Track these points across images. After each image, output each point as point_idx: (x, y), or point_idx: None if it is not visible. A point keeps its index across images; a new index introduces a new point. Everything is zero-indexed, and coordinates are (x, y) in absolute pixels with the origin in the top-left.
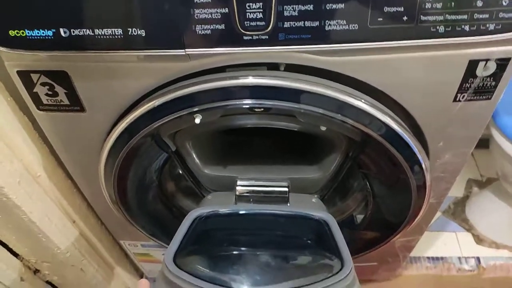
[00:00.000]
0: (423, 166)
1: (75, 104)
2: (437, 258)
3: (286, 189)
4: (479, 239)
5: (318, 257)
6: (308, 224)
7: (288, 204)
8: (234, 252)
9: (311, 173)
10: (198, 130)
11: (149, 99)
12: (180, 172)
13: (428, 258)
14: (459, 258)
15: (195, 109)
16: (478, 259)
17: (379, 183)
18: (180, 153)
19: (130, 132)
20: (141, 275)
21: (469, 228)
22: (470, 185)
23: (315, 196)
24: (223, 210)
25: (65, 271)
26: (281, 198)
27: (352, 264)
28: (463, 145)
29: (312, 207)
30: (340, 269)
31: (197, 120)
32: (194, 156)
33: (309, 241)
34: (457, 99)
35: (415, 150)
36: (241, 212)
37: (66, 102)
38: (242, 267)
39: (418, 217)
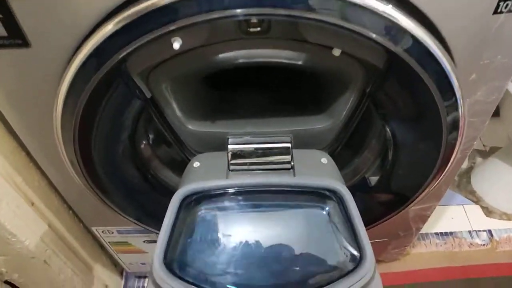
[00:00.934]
0: (458, 95)
1: (16, 36)
2: (446, 233)
3: (288, 144)
4: (488, 211)
5: (330, 242)
6: (317, 199)
7: (292, 164)
8: (233, 243)
9: (318, 123)
10: (178, 70)
11: (111, 19)
12: (158, 128)
13: (437, 234)
14: (470, 232)
15: (172, 27)
16: (490, 232)
17: (403, 126)
18: (157, 103)
19: (89, 68)
20: (121, 271)
21: (476, 200)
22: (473, 156)
23: (325, 153)
24: (214, 186)
25: (26, 266)
26: (283, 158)
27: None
28: (498, 77)
29: (322, 173)
30: (359, 262)
31: (176, 45)
32: (175, 106)
33: (318, 221)
34: (499, 9)
35: (450, 75)
36: (236, 189)
37: (3, 33)
38: (244, 263)
39: (448, 167)
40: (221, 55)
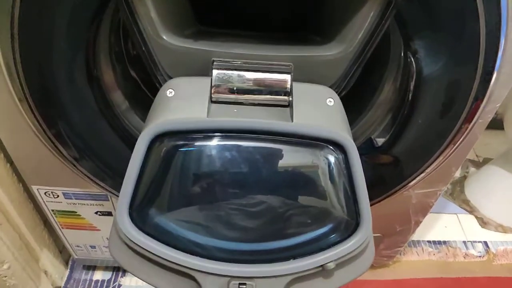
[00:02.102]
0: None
1: None
2: (440, 242)
3: (287, 76)
4: (483, 222)
5: (324, 201)
6: (317, 150)
7: (290, 100)
8: (209, 194)
9: (326, 50)
10: None
11: None
12: (122, 35)
13: (429, 242)
14: (465, 242)
15: None
16: (486, 243)
17: (431, 49)
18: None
19: None
20: (66, 260)
21: (471, 210)
22: (467, 166)
23: (332, 90)
24: (191, 126)
25: None
26: (280, 90)
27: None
28: None
29: (326, 118)
30: (354, 229)
31: None
32: (149, 3)
33: (313, 175)
34: None
35: None
36: (218, 129)
37: None
38: (222, 218)
39: (470, 126)
40: None
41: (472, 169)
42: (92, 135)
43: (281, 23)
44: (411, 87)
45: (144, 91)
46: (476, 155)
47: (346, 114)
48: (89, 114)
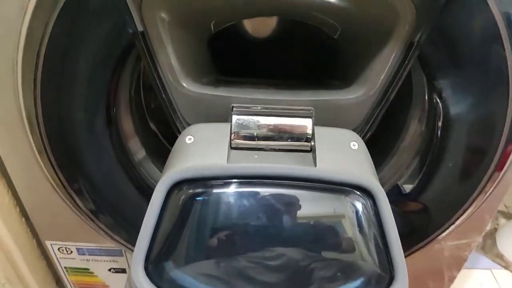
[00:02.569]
0: None
1: None
2: None
3: (309, 120)
4: None
5: (352, 253)
6: (343, 196)
7: (312, 144)
8: (230, 245)
9: (347, 93)
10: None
11: None
12: (142, 83)
13: None
14: None
15: None
16: None
17: (458, 87)
18: (150, 42)
19: None
20: None
21: (506, 265)
22: (496, 217)
23: (355, 134)
24: (211, 172)
25: None
26: (302, 136)
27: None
28: None
29: (351, 162)
30: (389, 284)
31: None
32: (171, 51)
33: (340, 223)
34: None
35: None
36: (238, 177)
37: None
38: (242, 272)
39: (506, 168)
40: None
41: (502, 221)
42: (109, 186)
43: (297, 69)
44: (439, 129)
45: (162, 142)
46: (505, 206)
47: (374, 144)
48: (107, 164)
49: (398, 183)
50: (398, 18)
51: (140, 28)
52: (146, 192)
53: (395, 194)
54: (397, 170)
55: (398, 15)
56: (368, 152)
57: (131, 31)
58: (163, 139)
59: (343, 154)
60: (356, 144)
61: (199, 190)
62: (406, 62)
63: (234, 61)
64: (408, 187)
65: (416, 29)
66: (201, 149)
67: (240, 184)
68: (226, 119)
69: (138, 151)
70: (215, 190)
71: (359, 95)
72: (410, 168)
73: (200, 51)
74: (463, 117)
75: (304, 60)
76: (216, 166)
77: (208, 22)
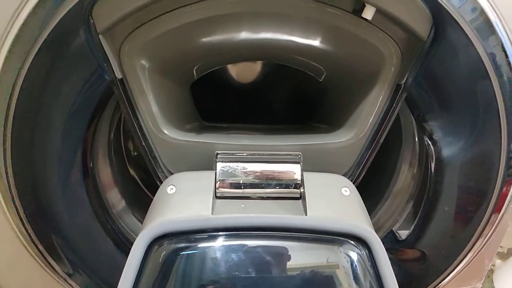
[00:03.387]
0: None
1: None
2: None
3: (297, 165)
4: None
5: None
6: (335, 247)
7: (301, 191)
8: None
9: (335, 137)
10: (160, 44)
11: None
12: (123, 131)
13: None
14: None
15: None
16: None
17: (448, 128)
18: (129, 90)
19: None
20: None
21: None
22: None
23: (346, 179)
24: (194, 225)
25: None
26: (291, 182)
27: None
28: None
29: (343, 209)
30: None
31: None
32: (151, 99)
33: (335, 275)
34: None
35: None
36: (225, 227)
37: None
38: None
39: (503, 210)
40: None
41: (498, 261)
42: (85, 242)
43: (283, 113)
44: (432, 172)
45: (144, 190)
46: (500, 246)
47: (365, 189)
48: (83, 217)
49: (393, 229)
50: (383, 61)
51: (118, 75)
52: (126, 247)
53: (390, 241)
54: (391, 215)
55: (384, 58)
56: (360, 198)
57: (109, 78)
58: (144, 187)
59: (334, 201)
60: (347, 189)
61: (182, 244)
62: (394, 104)
63: (219, 105)
64: (403, 233)
65: (402, 71)
66: (184, 200)
67: (227, 237)
68: (210, 166)
69: (117, 202)
70: (199, 245)
71: (348, 138)
72: (404, 213)
73: (183, 97)
74: (457, 158)
75: (290, 103)
76: (200, 218)
77: (190, 68)
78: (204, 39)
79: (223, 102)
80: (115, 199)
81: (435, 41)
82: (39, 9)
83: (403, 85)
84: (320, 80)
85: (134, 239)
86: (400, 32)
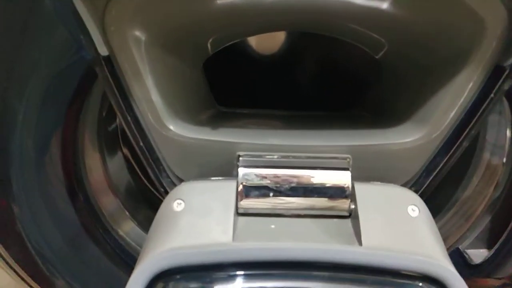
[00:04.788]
0: None
1: None
2: None
3: (346, 173)
4: None
5: None
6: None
7: (352, 209)
8: None
9: (399, 135)
10: (161, 11)
11: None
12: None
13: None
14: None
15: None
16: None
17: None
18: (119, 71)
19: None
20: None
21: None
22: None
23: (414, 194)
24: (210, 258)
25: None
26: (337, 196)
27: None
28: None
29: (411, 237)
30: None
31: None
32: (151, 85)
33: None
34: None
35: None
36: (251, 262)
37: None
38: None
39: None
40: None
41: None
42: (74, 260)
43: (320, 97)
44: None
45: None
46: None
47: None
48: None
49: (460, 247)
50: (483, 32)
51: (103, 51)
52: (126, 264)
53: (455, 265)
54: (458, 227)
55: (484, 28)
56: (432, 219)
57: (89, 56)
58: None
59: (399, 224)
60: (416, 208)
61: (192, 286)
62: (492, 95)
63: (239, 84)
64: (475, 255)
65: (509, 47)
66: (195, 220)
67: (253, 277)
68: (230, 171)
69: (112, 207)
70: (216, 287)
71: (417, 138)
72: (478, 227)
73: (194, 78)
74: None
75: (329, 84)
76: (217, 248)
77: (203, 40)
78: (222, 1)
79: (244, 79)
80: (110, 203)
81: None
82: None
83: (508, 68)
84: (376, 58)
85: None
86: None
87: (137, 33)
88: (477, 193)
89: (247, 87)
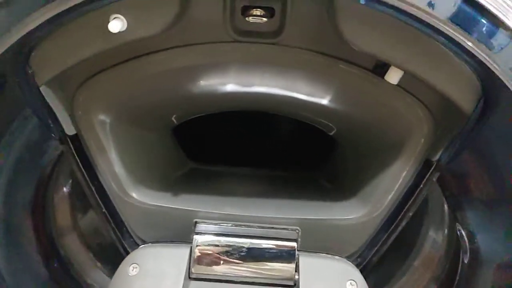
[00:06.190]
0: None
1: None
2: None
3: (293, 244)
4: None
5: None
6: None
7: (297, 278)
8: None
9: (345, 212)
10: (122, 92)
11: None
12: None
13: None
14: None
15: None
16: None
17: (488, 219)
18: (83, 149)
19: None
20: None
21: None
22: None
23: (353, 267)
24: None
25: None
26: (284, 267)
27: None
28: None
29: None
30: None
31: (115, 26)
32: (114, 158)
33: None
34: None
35: None
36: None
37: None
38: None
39: None
40: (192, 76)
41: None
42: None
43: (282, 157)
44: (464, 265)
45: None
46: None
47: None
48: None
49: None
50: (410, 130)
51: (70, 131)
52: None
53: None
54: None
55: (411, 127)
56: None
57: (55, 136)
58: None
59: None
60: (354, 283)
61: None
62: (422, 185)
63: (211, 141)
64: None
65: (436, 145)
66: (148, 285)
67: None
68: (188, 235)
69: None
70: None
71: (360, 215)
72: None
73: (161, 144)
74: (496, 257)
75: (294, 145)
76: None
77: (167, 116)
78: (182, 89)
79: (215, 135)
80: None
81: (484, 114)
82: None
83: (435, 162)
84: (330, 134)
85: None
86: (436, 97)
87: (102, 116)
88: (424, 264)
89: (218, 142)
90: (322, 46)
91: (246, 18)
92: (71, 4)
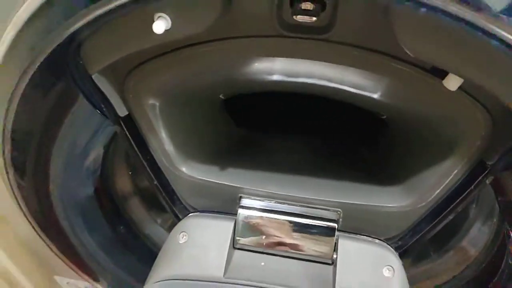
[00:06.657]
0: None
1: None
2: None
3: (333, 224)
4: None
5: None
6: None
7: (335, 257)
8: None
9: (388, 199)
10: (170, 79)
11: None
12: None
13: None
14: None
15: None
16: None
17: None
18: (137, 127)
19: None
20: None
21: None
22: None
23: (393, 253)
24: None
25: None
26: (322, 244)
27: None
28: None
29: None
30: None
31: (159, 27)
32: (164, 136)
33: None
34: None
35: None
36: None
37: None
38: None
39: None
40: (239, 67)
41: None
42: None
43: (330, 134)
44: (506, 266)
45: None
46: None
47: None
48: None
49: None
50: (466, 131)
51: (122, 112)
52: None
53: None
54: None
55: (467, 128)
56: (406, 281)
57: (110, 118)
58: None
59: (372, 283)
60: (391, 269)
61: None
62: (473, 187)
63: (247, 127)
64: None
65: (493, 148)
66: (195, 253)
67: None
68: (233, 207)
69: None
70: None
71: (403, 205)
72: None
73: (209, 118)
74: None
75: (343, 140)
76: (208, 283)
77: (215, 95)
78: (229, 77)
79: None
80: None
81: None
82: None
83: (490, 166)
84: (383, 117)
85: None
86: (499, 101)
87: (152, 100)
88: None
89: (268, 109)
90: (375, 43)
91: (294, 12)
92: (113, 6)
